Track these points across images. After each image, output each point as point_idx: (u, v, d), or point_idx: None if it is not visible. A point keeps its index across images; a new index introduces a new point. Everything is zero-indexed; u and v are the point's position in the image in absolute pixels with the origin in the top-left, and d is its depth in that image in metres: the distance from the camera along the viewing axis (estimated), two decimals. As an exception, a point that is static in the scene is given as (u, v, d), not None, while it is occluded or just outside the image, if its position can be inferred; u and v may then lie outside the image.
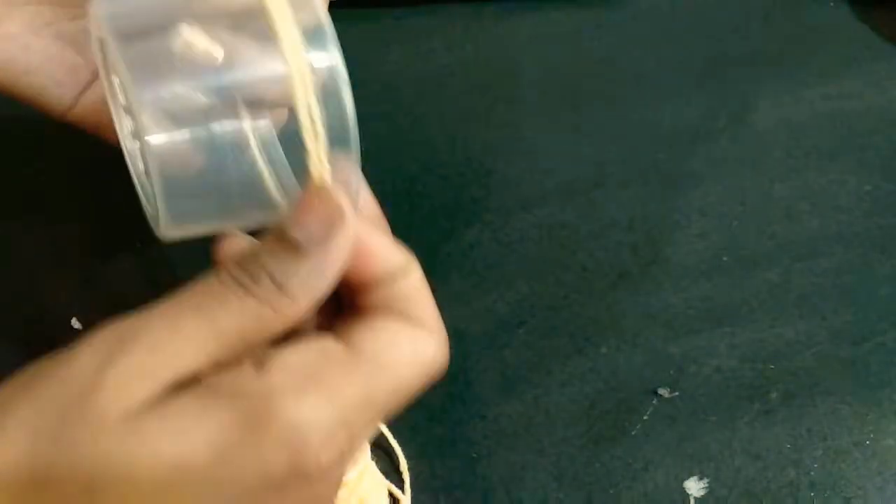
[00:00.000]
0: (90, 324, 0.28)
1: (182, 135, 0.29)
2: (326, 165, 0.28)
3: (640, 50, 0.60)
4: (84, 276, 0.48)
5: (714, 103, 0.58)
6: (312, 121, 0.28)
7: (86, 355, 0.26)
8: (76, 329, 0.46)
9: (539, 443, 0.44)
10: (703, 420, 0.45)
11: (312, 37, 0.29)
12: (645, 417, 0.45)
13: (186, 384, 0.26)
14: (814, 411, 0.46)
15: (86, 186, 0.52)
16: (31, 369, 0.27)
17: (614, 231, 0.52)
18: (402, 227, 0.52)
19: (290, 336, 0.28)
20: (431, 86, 0.58)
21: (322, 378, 0.27)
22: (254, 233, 0.30)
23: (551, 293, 0.49)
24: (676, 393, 0.46)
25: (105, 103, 0.35)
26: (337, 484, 0.28)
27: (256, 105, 0.30)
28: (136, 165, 0.34)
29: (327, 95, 0.29)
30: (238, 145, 0.30)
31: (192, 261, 0.31)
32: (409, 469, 0.43)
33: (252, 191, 0.30)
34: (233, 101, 0.30)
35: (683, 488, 0.43)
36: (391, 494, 0.42)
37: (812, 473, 0.44)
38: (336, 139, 0.29)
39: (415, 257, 0.30)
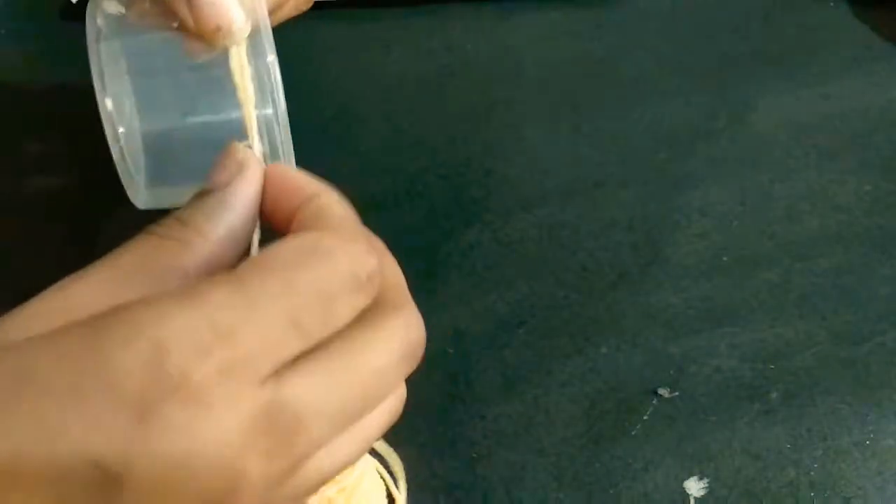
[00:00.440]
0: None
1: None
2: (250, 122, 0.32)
3: (640, 50, 0.60)
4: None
5: (714, 103, 0.58)
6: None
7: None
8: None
9: (539, 443, 0.44)
10: (703, 420, 0.45)
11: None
12: (645, 417, 0.45)
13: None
14: (814, 411, 0.46)
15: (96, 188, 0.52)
16: None
17: (614, 231, 0.52)
18: (403, 227, 0.52)
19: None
20: (431, 86, 0.58)
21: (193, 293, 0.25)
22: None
23: (551, 293, 0.49)
24: (676, 393, 0.46)
25: None
26: (218, 400, 0.25)
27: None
28: (114, 130, 0.35)
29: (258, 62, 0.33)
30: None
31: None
32: (409, 469, 0.43)
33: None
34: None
35: (683, 488, 0.43)
36: (389, 494, 0.42)
37: (812, 473, 0.44)
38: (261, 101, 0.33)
39: (335, 190, 0.31)
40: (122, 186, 0.35)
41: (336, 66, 0.58)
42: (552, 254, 0.51)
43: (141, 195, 0.35)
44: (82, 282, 0.27)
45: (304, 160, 0.33)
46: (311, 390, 0.25)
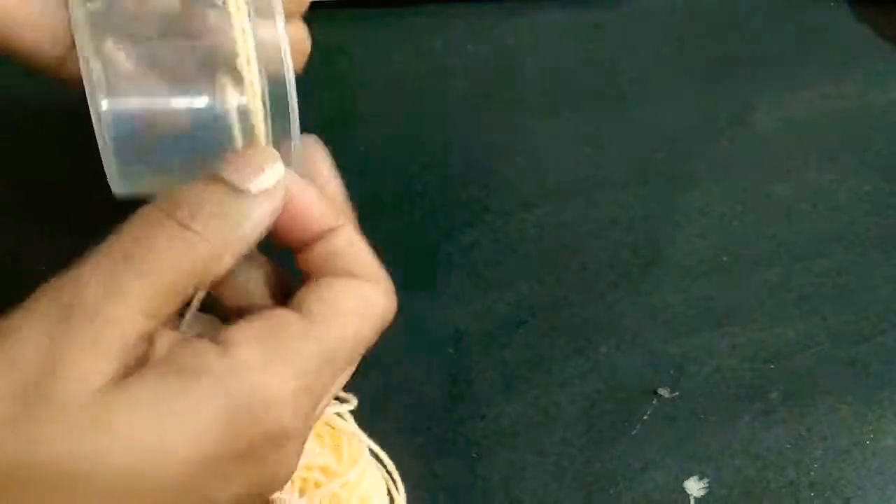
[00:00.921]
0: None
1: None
2: (264, 125, 0.30)
3: (640, 50, 0.60)
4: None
5: (714, 103, 0.58)
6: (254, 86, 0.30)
7: (32, 331, 0.25)
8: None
9: (539, 443, 0.44)
10: (703, 420, 0.45)
11: (259, 8, 0.30)
12: (645, 417, 0.45)
13: (140, 358, 0.26)
14: (814, 411, 0.46)
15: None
16: None
17: (614, 231, 0.52)
18: (403, 227, 0.52)
19: (245, 313, 0.29)
20: (431, 86, 0.58)
21: (282, 349, 0.27)
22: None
23: (551, 293, 0.49)
24: (676, 393, 0.46)
25: None
26: (304, 439, 0.29)
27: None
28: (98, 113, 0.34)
29: (270, 63, 0.30)
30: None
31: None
32: (409, 469, 0.43)
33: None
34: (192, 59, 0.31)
35: (683, 488, 0.43)
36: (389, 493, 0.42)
37: (812, 473, 0.44)
38: (277, 106, 0.30)
39: (348, 209, 0.32)
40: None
41: (336, 66, 0.58)
42: (552, 254, 0.51)
43: (114, 177, 0.32)
44: (117, 300, 0.26)
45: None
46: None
